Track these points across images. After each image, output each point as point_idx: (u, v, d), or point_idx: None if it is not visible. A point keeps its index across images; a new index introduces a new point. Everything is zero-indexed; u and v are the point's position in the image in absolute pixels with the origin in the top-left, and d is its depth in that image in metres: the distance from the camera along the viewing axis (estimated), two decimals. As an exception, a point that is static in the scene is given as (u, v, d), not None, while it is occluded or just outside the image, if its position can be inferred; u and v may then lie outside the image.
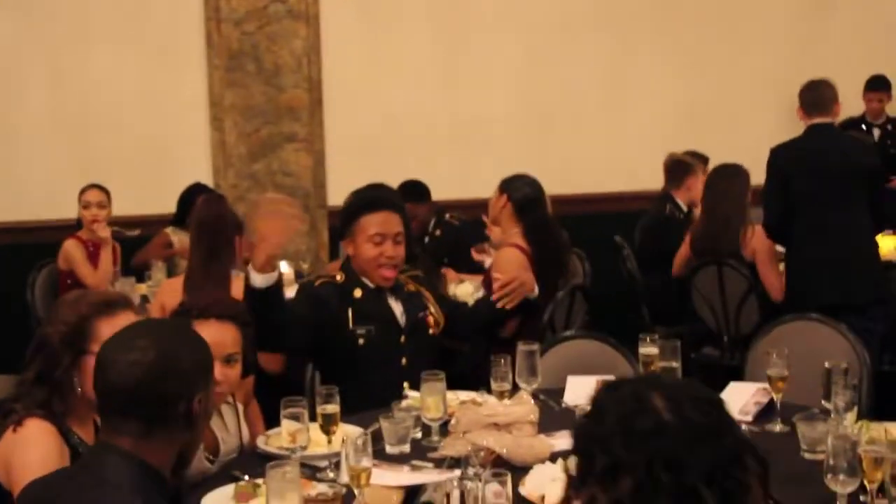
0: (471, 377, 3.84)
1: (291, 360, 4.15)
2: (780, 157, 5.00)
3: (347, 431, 2.98)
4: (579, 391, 3.46)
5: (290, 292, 4.27)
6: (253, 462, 2.91)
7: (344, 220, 3.88)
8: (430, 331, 3.78)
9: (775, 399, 3.20)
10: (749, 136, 7.17)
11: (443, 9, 7.03)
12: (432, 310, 3.81)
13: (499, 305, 3.86)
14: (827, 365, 3.17)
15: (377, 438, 3.03)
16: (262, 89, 6.77)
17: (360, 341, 3.66)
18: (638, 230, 6.09)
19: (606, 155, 7.18)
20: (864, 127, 7.46)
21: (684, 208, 6.01)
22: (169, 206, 6.10)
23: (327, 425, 2.89)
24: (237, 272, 4.68)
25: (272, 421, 3.14)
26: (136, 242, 5.90)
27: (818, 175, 4.89)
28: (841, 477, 2.48)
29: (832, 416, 2.93)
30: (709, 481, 1.46)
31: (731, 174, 5.48)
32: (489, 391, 3.34)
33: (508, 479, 2.38)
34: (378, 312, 3.69)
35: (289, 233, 3.48)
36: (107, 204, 5.65)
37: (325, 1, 6.80)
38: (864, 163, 4.99)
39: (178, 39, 6.66)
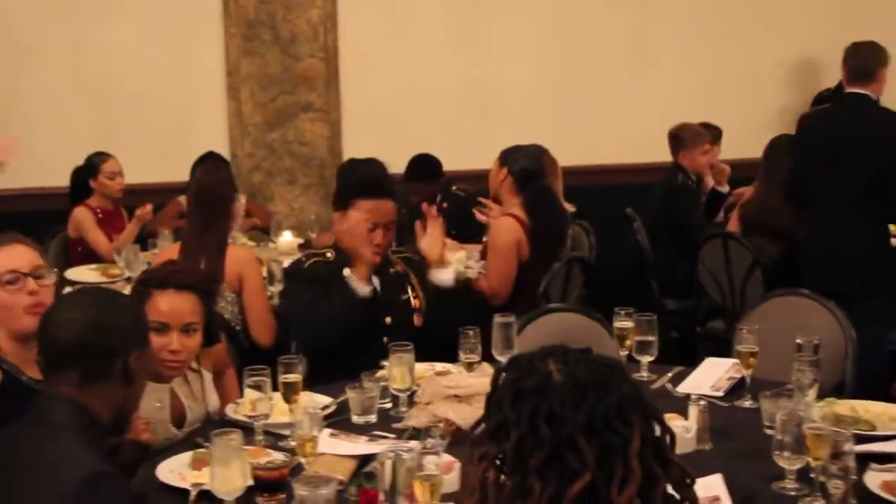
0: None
1: (282, 333, 4.21)
2: (804, 127, 4.82)
3: (310, 401, 3.04)
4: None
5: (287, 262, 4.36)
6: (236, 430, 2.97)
7: (340, 193, 3.92)
8: (415, 313, 3.82)
9: (745, 375, 3.21)
10: (770, 110, 7.12)
11: (459, -24, 7.01)
12: (413, 293, 3.84)
13: None
14: (798, 340, 3.18)
15: (345, 408, 3.10)
16: (278, 58, 6.80)
17: None
18: (650, 201, 6.06)
19: (625, 126, 7.11)
20: None
21: (694, 177, 5.98)
22: (186, 175, 6.16)
23: (289, 394, 2.95)
24: (232, 240, 4.77)
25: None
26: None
27: (836, 152, 4.64)
28: (786, 453, 2.49)
29: (795, 392, 2.93)
30: (588, 433, 1.54)
31: (787, 146, 5.22)
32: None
33: (441, 452, 2.41)
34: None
35: None
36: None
37: (341, -31, 6.82)
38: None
39: (195, 8, 6.70)
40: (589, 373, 1.59)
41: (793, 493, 2.50)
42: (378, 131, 6.80)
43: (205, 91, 6.78)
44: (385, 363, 3.35)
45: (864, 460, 2.54)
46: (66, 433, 2.05)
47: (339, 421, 3.03)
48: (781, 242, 5.24)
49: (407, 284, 3.87)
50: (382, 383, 3.16)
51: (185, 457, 2.73)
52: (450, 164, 6.27)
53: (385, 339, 3.65)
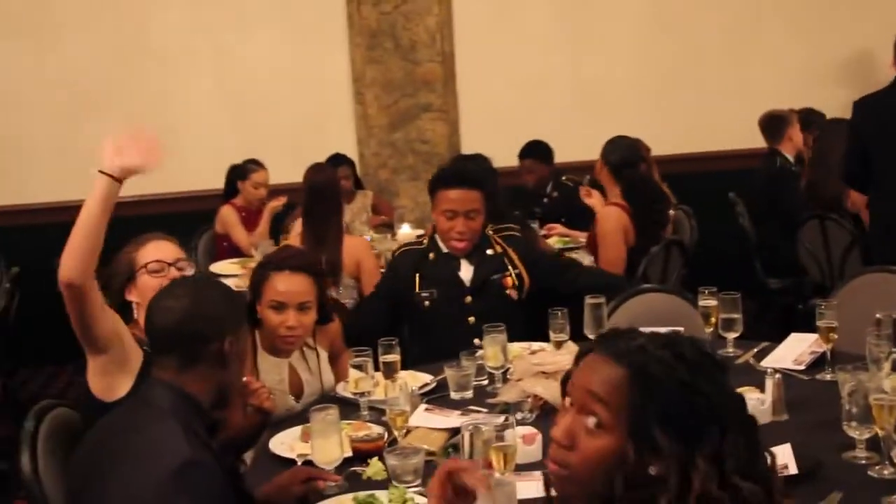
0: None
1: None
2: (858, 111, 4.61)
3: (413, 379, 3.10)
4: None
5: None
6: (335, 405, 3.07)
7: (429, 189, 3.98)
8: (507, 291, 3.81)
9: (826, 349, 3.13)
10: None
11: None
12: (513, 270, 3.84)
13: None
14: (878, 315, 3.08)
15: (445, 385, 3.15)
16: (399, 64, 6.90)
17: (426, 304, 3.77)
18: (752, 186, 5.93)
19: (727, 115, 6.97)
20: None
21: (792, 160, 5.83)
22: (321, 175, 6.31)
23: (389, 373, 3.01)
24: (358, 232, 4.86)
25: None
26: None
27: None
28: (853, 423, 2.44)
29: (869, 364, 2.85)
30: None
31: (842, 128, 5.20)
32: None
33: (514, 425, 2.42)
34: (443, 275, 3.77)
35: None
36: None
37: (455, -21, 6.87)
38: None
39: (323, 22, 6.84)
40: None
41: (863, 462, 2.44)
42: (493, 127, 6.84)
43: (333, 97, 6.92)
44: (480, 343, 3.39)
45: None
46: (165, 416, 2.08)
47: (438, 397, 3.08)
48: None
49: (505, 263, 3.86)
50: (479, 362, 3.20)
51: (296, 430, 2.82)
52: (561, 157, 6.27)
53: (471, 318, 3.68)
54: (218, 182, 6.26)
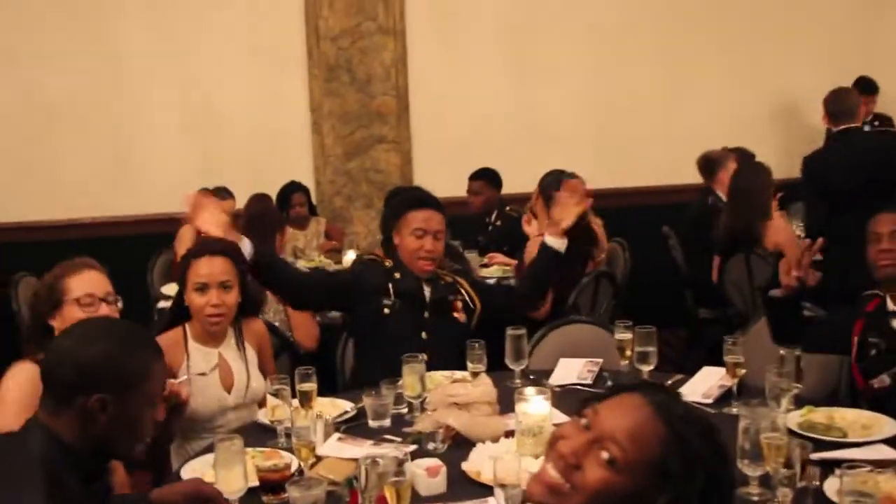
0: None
1: (326, 337, 4.18)
2: (815, 163, 4.76)
3: (331, 406, 2.99)
4: (566, 372, 3.39)
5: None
6: (254, 432, 2.95)
7: (393, 214, 3.90)
8: (456, 314, 3.72)
9: (732, 384, 3.05)
10: (797, 141, 6.83)
11: (511, 22, 6.93)
12: (464, 296, 3.74)
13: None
14: (782, 352, 3.00)
15: (364, 414, 3.04)
16: (355, 97, 6.81)
17: (386, 311, 3.64)
18: (684, 221, 5.88)
19: (662, 151, 6.95)
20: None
21: (724, 198, 5.77)
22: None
23: (304, 401, 2.90)
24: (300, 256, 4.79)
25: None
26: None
27: (854, 172, 4.64)
28: (745, 461, 2.35)
29: (769, 401, 2.77)
30: None
31: (757, 169, 5.23)
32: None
33: (408, 459, 2.31)
34: (408, 289, 3.66)
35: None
36: None
37: (410, 18, 6.79)
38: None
39: (283, 54, 6.76)
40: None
41: (755, 499, 2.35)
42: (444, 159, 6.79)
43: (292, 126, 6.83)
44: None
45: (831, 466, 2.38)
46: (28, 470, 1.87)
47: (356, 425, 2.97)
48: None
49: (457, 289, 3.76)
50: (399, 391, 3.09)
51: (209, 457, 2.69)
52: (508, 188, 6.22)
53: (424, 334, 3.58)
54: (176, 206, 6.11)
